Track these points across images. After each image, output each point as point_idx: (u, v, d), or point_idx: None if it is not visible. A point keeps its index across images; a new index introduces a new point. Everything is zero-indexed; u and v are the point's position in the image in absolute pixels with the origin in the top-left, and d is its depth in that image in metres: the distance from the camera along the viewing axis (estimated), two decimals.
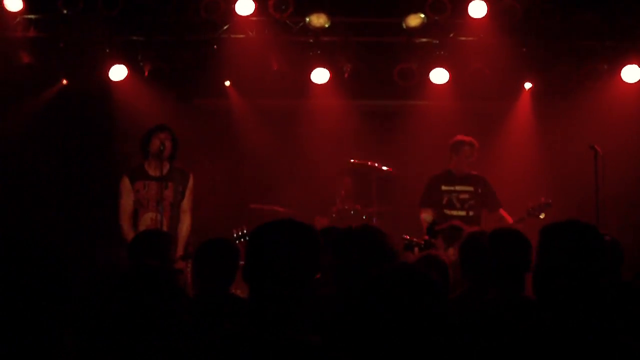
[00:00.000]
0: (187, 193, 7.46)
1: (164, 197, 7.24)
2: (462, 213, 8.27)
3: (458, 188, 8.36)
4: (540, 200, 7.97)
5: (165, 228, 7.14)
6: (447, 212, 8.28)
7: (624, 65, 9.26)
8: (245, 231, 7.22)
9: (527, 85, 9.82)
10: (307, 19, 8.87)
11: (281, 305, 2.74)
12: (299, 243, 2.77)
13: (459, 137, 8.45)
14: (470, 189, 8.36)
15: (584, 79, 9.35)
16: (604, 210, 7.69)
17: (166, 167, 7.36)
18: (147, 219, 7.25)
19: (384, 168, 9.39)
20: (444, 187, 8.37)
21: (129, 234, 7.14)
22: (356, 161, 9.46)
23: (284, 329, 2.73)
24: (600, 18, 8.90)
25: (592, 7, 8.87)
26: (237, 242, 7.11)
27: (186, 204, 7.45)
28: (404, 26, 8.94)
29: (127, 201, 7.33)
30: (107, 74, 9.25)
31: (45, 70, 9.26)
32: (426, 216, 8.25)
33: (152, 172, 7.35)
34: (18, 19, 8.90)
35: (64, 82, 9.69)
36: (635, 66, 9.23)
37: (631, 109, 9.50)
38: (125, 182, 7.36)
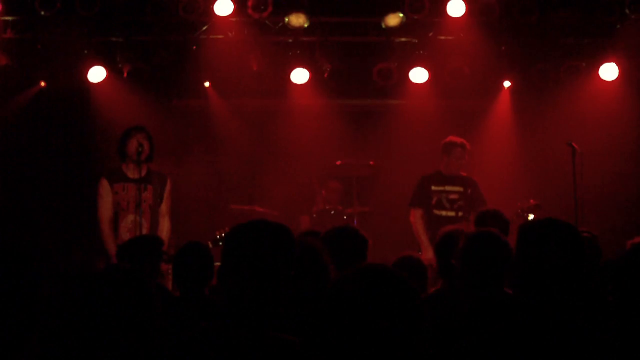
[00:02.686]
0: (165, 196, 7.35)
1: (143, 199, 7.16)
2: (452, 214, 8.15)
3: (448, 188, 8.22)
4: (530, 202, 7.92)
5: (145, 231, 7.08)
6: (437, 212, 8.16)
7: (602, 63, 9.29)
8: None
9: (506, 84, 9.83)
10: (286, 19, 8.85)
11: (256, 306, 2.74)
12: (272, 244, 2.77)
13: (451, 138, 8.29)
14: (460, 189, 8.22)
15: (562, 76, 9.40)
16: (582, 207, 7.74)
17: (144, 170, 7.28)
18: (129, 222, 7.13)
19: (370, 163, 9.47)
20: (433, 187, 8.23)
21: (109, 237, 7.09)
22: (341, 162, 9.51)
23: (261, 329, 2.74)
24: (578, 16, 8.94)
25: (570, 5, 8.90)
26: (221, 243, 7.08)
27: (164, 207, 7.34)
28: (383, 26, 8.95)
29: (106, 204, 7.19)
30: (86, 76, 9.18)
31: (23, 72, 9.20)
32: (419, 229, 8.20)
33: (131, 174, 7.25)
34: None
35: (42, 84, 9.62)
36: (613, 64, 9.26)
37: (609, 107, 9.56)
38: (104, 184, 7.22)
